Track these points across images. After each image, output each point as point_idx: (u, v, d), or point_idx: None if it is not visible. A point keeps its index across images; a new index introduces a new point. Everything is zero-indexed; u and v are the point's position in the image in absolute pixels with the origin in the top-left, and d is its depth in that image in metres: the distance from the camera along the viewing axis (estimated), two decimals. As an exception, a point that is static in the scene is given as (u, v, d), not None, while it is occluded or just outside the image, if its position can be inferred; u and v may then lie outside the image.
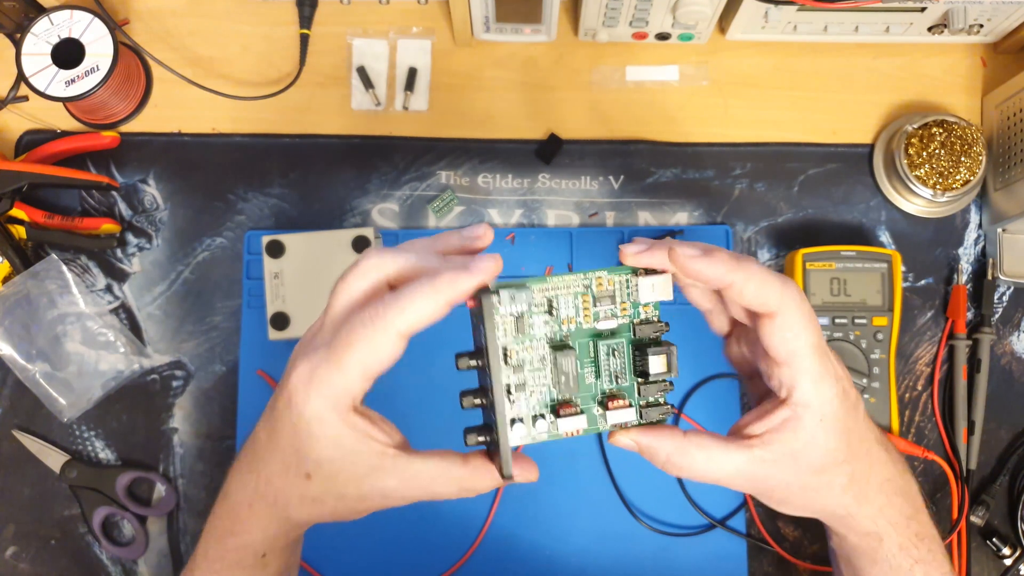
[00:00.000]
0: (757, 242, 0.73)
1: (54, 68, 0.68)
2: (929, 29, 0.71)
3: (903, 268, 0.72)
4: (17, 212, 0.70)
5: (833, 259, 0.69)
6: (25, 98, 0.74)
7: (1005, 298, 0.72)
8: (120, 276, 0.72)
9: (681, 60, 0.75)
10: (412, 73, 0.75)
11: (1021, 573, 0.68)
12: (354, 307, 0.40)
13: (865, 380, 0.68)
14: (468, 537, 0.68)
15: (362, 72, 0.75)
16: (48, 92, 0.68)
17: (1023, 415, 0.70)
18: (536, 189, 0.74)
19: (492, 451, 0.41)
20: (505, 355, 0.41)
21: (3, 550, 0.68)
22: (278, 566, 0.46)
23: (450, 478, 0.42)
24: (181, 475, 0.70)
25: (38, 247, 0.72)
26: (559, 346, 0.41)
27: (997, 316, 0.72)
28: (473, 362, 0.41)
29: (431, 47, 0.76)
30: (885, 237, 0.73)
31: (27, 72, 0.68)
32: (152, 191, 0.74)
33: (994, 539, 0.68)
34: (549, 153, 0.74)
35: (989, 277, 0.71)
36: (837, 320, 0.68)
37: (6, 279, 0.70)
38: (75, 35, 0.69)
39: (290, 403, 0.39)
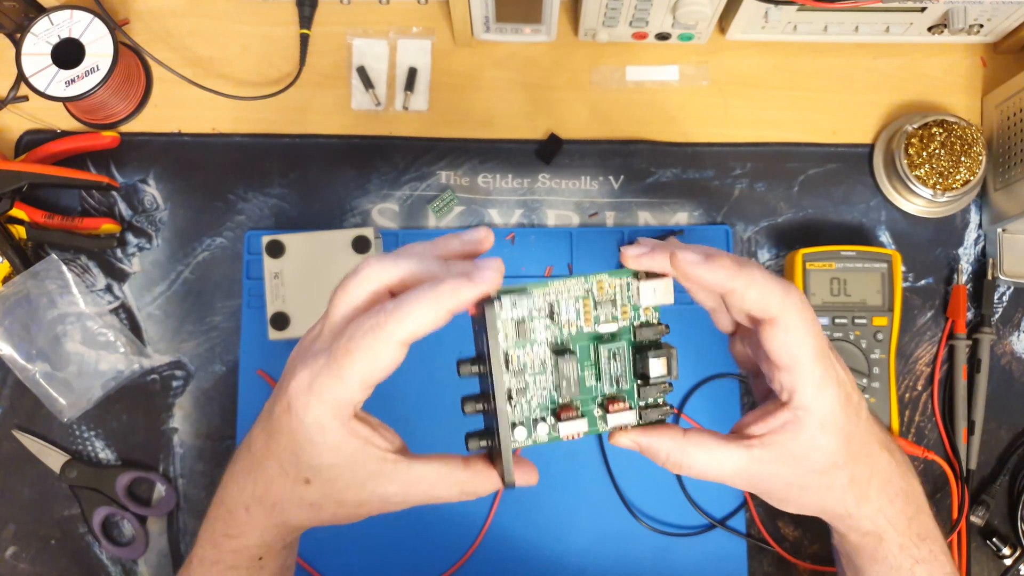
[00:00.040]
0: (757, 242, 0.73)
1: (54, 68, 0.68)
2: (929, 29, 0.72)
3: (903, 268, 0.72)
4: (17, 212, 0.70)
5: (833, 259, 0.69)
6: (25, 98, 0.74)
7: (1005, 298, 0.72)
8: (120, 276, 0.72)
9: (681, 60, 0.75)
10: (412, 73, 0.75)
11: (1021, 573, 0.68)
12: (354, 314, 0.39)
13: (865, 380, 0.68)
14: (468, 537, 0.68)
15: (362, 72, 0.75)
16: (48, 92, 0.68)
17: (1023, 415, 0.70)
18: (536, 189, 0.74)
19: (493, 455, 0.41)
20: (506, 360, 0.41)
21: (3, 550, 0.68)
22: (275, 568, 0.46)
23: (451, 482, 0.42)
24: (181, 475, 0.70)
25: (38, 247, 0.72)
26: (560, 350, 0.41)
27: (997, 316, 0.72)
28: (475, 368, 0.41)
29: (431, 47, 0.76)
30: (885, 237, 0.73)
31: (27, 72, 0.68)
32: (152, 191, 0.74)
33: (994, 539, 0.68)
34: (549, 153, 0.74)
35: (989, 277, 0.71)
36: (837, 320, 0.68)
37: (6, 279, 0.70)
38: (75, 35, 0.69)
39: (290, 409, 0.39)
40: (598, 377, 0.42)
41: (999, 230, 0.71)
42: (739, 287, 0.39)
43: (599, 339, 0.42)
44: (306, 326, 0.66)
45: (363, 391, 0.39)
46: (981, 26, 0.71)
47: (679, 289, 0.42)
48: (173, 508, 0.69)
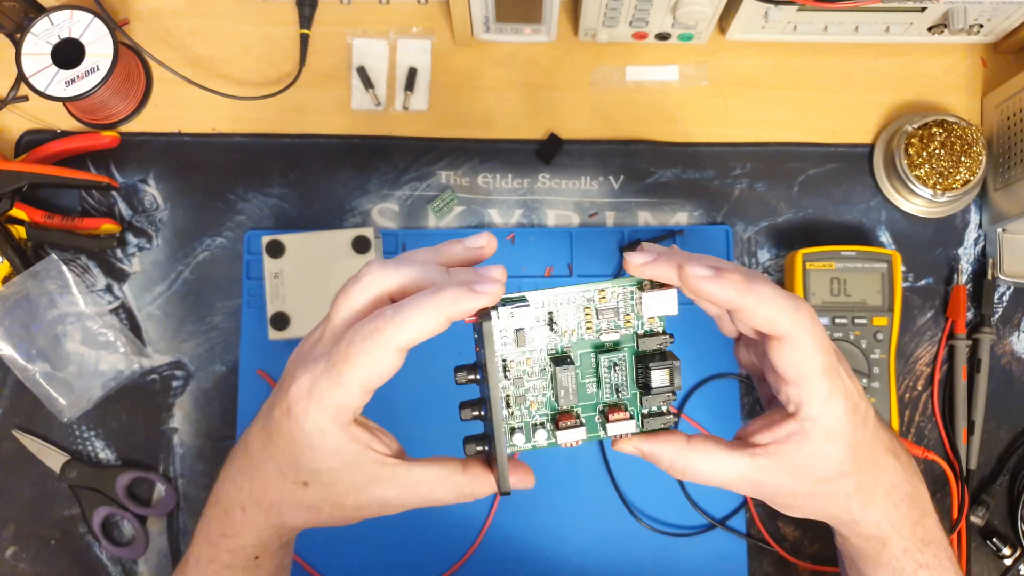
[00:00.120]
0: (757, 242, 0.73)
1: (54, 68, 0.68)
2: (929, 29, 0.72)
3: (903, 268, 0.72)
4: (17, 212, 0.70)
5: (833, 259, 0.69)
6: (25, 98, 0.74)
7: (1005, 298, 0.72)
8: (120, 276, 0.72)
9: (681, 60, 0.75)
10: (412, 73, 0.75)
11: (1021, 573, 0.68)
12: (354, 319, 0.39)
13: (865, 380, 0.68)
14: (468, 537, 0.68)
15: (362, 72, 0.75)
16: (48, 92, 0.68)
17: (1023, 415, 0.70)
18: (536, 189, 0.74)
19: (491, 459, 0.41)
20: (505, 367, 0.41)
21: (3, 550, 0.68)
22: (271, 567, 0.46)
23: (449, 485, 0.42)
24: (181, 475, 0.70)
25: (38, 247, 0.72)
26: (559, 359, 0.41)
27: (997, 316, 0.72)
28: (472, 376, 0.41)
29: (431, 47, 0.76)
30: (885, 237, 0.73)
31: (27, 72, 0.68)
32: (152, 191, 0.74)
33: (994, 539, 0.68)
34: (549, 153, 0.74)
35: (989, 277, 0.71)
36: (837, 320, 0.68)
37: (6, 279, 0.70)
38: (75, 35, 0.69)
39: (289, 413, 0.39)
40: (599, 385, 0.42)
41: (999, 230, 0.71)
42: (749, 305, 0.39)
43: (601, 347, 0.42)
44: (306, 326, 0.66)
45: (363, 396, 0.39)
46: (981, 26, 0.71)
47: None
48: (173, 508, 0.69)
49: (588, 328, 0.41)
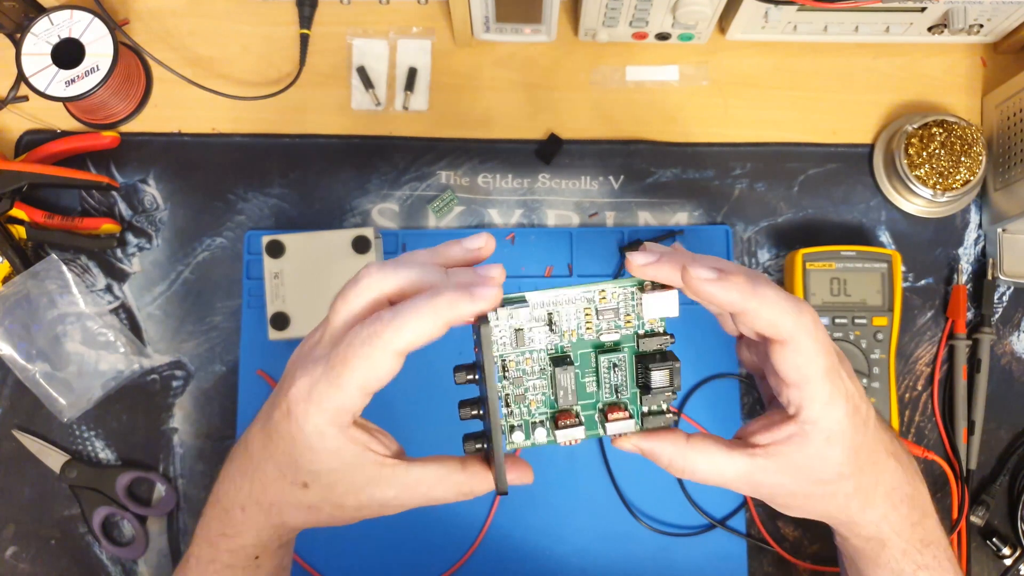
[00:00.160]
0: (757, 242, 0.73)
1: (54, 68, 0.68)
2: (929, 29, 0.72)
3: (903, 268, 0.72)
4: (17, 212, 0.70)
5: (833, 259, 0.69)
6: (25, 98, 0.74)
7: (1005, 298, 0.72)
8: (120, 276, 0.72)
9: (681, 60, 0.75)
10: (412, 73, 0.75)
11: (1021, 573, 0.68)
12: (352, 322, 0.39)
13: (865, 380, 0.68)
14: (468, 537, 0.68)
15: (362, 72, 0.75)
16: (48, 92, 0.68)
17: (1023, 415, 0.70)
18: (536, 189, 0.74)
19: (489, 456, 0.41)
20: (504, 366, 0.41)
21: (3, 550, 0.68)
22: (271, 567, 0.46)
23: (449, 484, 0.42)
24: (181, 475, 0.70)
25: (38, 247, 0.72)
26: (559, 359, 0.41)
27: (997, 316, 0.72)
28: (471, 376, 0.41)
29: (431, 47, 0.76)
30: (885, 237, 0.73)
31: (27, 72, 0.68)
32: (152, 191, 0.74)
33: (994, 539, 0.68)
34: (549, 153, 0.74)
35: (989, 277, 0.71)
36: (837, 320, 0.68)
37: (6, 279, 0.70)
38: (75, 35, 0.69)
39: (289, 415, 0.39)
40: (598, 384, 0.42)
41: (999, 230, 0.71)
42: (752, 308, 0.38)
43: (601, 347, 0.42)
44: (306, 326, 0.66)
45: (362, 399, 0.39)
46: (981, 26, 0.71)
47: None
48: (173, 508, 0.69)
49: (588, 328, 0.41)
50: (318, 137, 0.74)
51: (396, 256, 0.73)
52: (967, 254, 0.73)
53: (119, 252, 0.73)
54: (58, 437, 0.70)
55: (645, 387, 0.42)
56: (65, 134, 0.73)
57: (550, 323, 0.41)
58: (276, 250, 0.67)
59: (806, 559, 0.68)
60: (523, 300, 0.40)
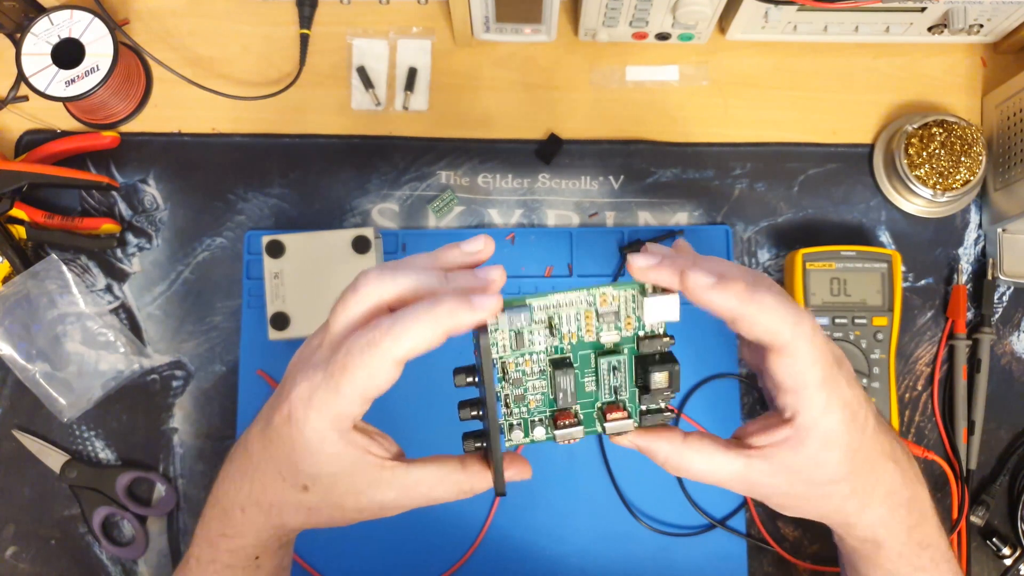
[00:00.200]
0: (757, 242, 0.73)
1: (54, 68, 0.68)
2: (929, 29, 0.72)
3: (903, 268, 0.72)
4: (17, 212, 0.70)
5: (833, 259, 0.69)
6: (25, 98, 0.74)
7: (1005, 298, 0.72)
8: (120, 276, 0.72)
9: (681, 60, 0.75)
10: (412, 73, 0.75)
11: (1021, 573, 0.68)
12: (352, 328, 0.39)
13: (865, 380, 0.68)
14: (468, 537, 0.68)
15: (362, 72, 0.75)
16: (48, 92, 0.68)
17: (1023, 415, 0.70)
18: (536, 189, 0.74)
19: (488, 454, 0.41)
20: (504, 367, 0.41)
21: (3, 550, 0.68)
22: (271, 567, 0.46)
23: (449, 483, 0.42)
24: (181, 475, 0.70)
25: (38, 247, 0.72)
26: (558, 362, 0.41)
27: (997, 316, 0.72)
28: (471, 379, 0.41)
29: (431, 47, 0.76)
30: (885, 237, 0.73)
31: (27, 72, 0.68)
32: (152, 191, 0.74)
33: (994, 539, 0.68)
34: (549, 153, 0.74)
35: (989, 277, 0.71)
36: (837, 320, 0.68)
37: (6, 279, 0.70)
38: (75, 35, 0.69)
39: (290, 419, 0.39)
40: (597, 384, 0.42)
41: (999, 230, 0.71)
42: (749, 315, 0.38)
43: (600, 349, 0.42)
44: (306, 326, 0.66)
45: (361, 405, 0.39)
46: (981, 26, 0.71)
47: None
48: (173, 508, 0.69)
49: (588, 330, 0.41)
50: (318, 137, 0.74)
51: (396, 257, 0.73)
52: (967, 254, 0.73)
53: (119, 252, 0.73)
54: (58, 437, 0.70)
55: (644, 388, 0.42)
56: (65, 134, 0.73)
57: (550, 326, 0.41)
58: (276, 250, 0.67)
59: (806, 559, 0.68)
60: (524, 305, 0.40)
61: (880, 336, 0.68)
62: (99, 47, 0.69)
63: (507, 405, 0.42)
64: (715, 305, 0.39)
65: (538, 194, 0.74)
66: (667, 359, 0.41)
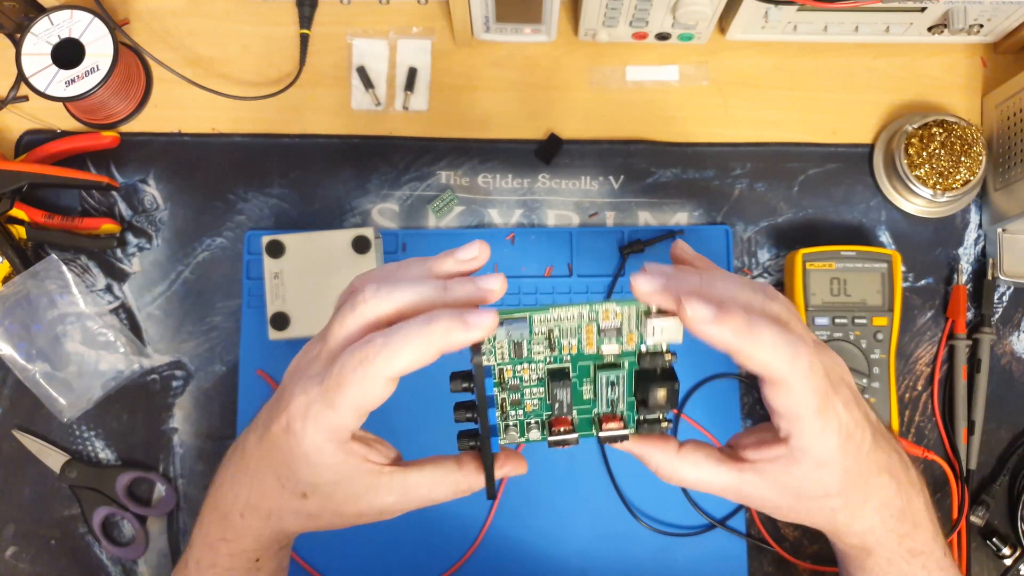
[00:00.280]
0: (757, 242, 0.73)
1: (54, 68, 0.68)
2: (929, 29, 0.71)
3: (903, 268, 0.72)
4: (17, 212, 0.70)
5: (833, 259, 0.69)
6: (25, 98, 0.74)
7: (1005, 298, 0.72)
8: (120, 276, 0.72)
9: (681, 60, 0.75)
10: (412, 73, 0.75)
11: (1021, 573, 0.68)
12: (349, 341, 0.39)
13: (865, 380, 0.68)
14: (468, 537, 0.68)
15: (362, 72, 0.75)
16: (48, 92, 0.68)
17: (1023, 415, 0.70)
18: (536, 189, 0.74)
19: (483, 454, 0.42)
20: (501, 376, 0.41)
21: (3, 550, 0.68)
22: (271, 568, 0.46)
23: (446, 484, 0.42)
24: (181, 475, 0.70)
25: (38, 247, 0.72)
26: (556, 373, 0.41)
27: (997, 316, 0.72)
28: (467, 385, 0.40)
29: (431, 47, 0.76)
30: (885, 237, 0.73)
31: (27, 72, 0.68)
32: (152, 191, 0.74)
33: (994, 539, 0.68)
34: (549, 153, 0.74)
35: (989, 277, 0.71)
36: (837, 320, 0.68)
37: (6, 279, 0.70)
38: (75, 35, 0.69)
39: (288, 430, 0.39)
40: (595, 394, 0.42)
41: (999, 230, 0.71)
42: (745, 350, 0.38)
43: (600, 360, 0.41)
44: (306, 326, 0.66)
45: (357, 419, 0.39)
46: (981, 26, 0.71)
47: None
48: (173, 508, 0.69)
49: (588, 343, 0.41)
50: (318, 137, 0.74)
51: (396, 257, 0.73)
52: (967, 254, 0.73)
53: (119, 252, 0.73)
54: (58, 437, 0.70)
55: (643, 402, 0.41)
56: (65, 134, 0.73)
57: (550, 339, 0.40)
58: (276, 250, 0.67)
59: (806, 559, 0.68)
60: (523, 318, 0.39)
61: (880, 336, 0.68)
62: (99, 47, 0.69)
63: (503, 409, 0.42)
64: (712, 340, 0.38)
65: (538, 194, 0.74)
66: (667, 376, 0.41)
